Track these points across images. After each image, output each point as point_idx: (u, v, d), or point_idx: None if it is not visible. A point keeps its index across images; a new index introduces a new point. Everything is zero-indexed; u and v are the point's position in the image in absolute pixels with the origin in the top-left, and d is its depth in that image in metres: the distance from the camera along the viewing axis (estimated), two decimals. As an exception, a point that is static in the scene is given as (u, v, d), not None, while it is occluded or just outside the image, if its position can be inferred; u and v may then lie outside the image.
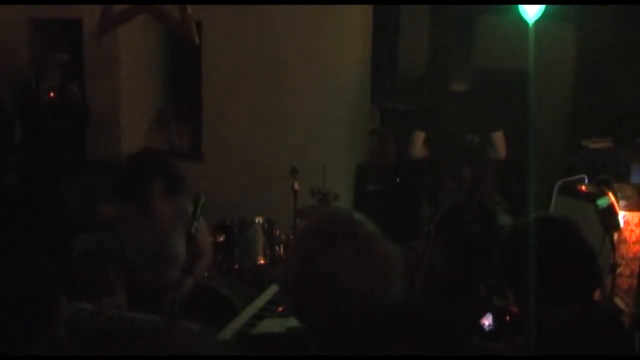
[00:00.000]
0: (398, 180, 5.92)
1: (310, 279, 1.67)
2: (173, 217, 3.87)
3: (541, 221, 2.19)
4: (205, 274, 4.15)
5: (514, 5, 5.41)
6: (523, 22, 5.26)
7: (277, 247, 4.87)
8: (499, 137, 5.06)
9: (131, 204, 3.93)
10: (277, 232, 4.91)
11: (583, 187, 4.68)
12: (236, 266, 4.72)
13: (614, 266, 3.92)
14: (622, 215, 4.38)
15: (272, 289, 3.85)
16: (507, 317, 3.02)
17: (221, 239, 4.73)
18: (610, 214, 4.05)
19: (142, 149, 5.53)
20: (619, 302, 4.21)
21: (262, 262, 4.76)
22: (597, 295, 2.38)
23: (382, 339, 1.40)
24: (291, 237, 4.92)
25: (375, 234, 1.74)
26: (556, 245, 2.12)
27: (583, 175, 4.87)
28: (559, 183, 4.82)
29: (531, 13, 5.21)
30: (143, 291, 3.81)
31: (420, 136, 5.11)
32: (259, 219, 4.84)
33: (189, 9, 4.43)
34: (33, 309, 1.48)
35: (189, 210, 3.91)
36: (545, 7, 5.22)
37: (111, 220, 4.11)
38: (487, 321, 3.01)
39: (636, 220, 4.50)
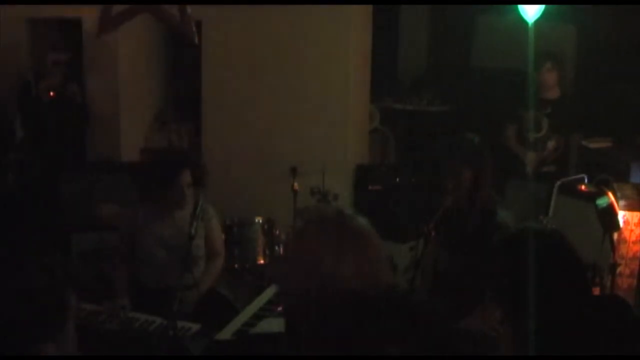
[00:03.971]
0: (398, 180, 5.92)
1: (298, 275, 1.68)
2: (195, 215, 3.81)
3: (530, 235, 2.12)
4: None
5: (514, 5, 5.42)
6: (523, 22, 5.26)
7: (277, 247, 4.88)
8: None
9: (159, 199, 3.91)
10: (277, 232, 4.91)
11: (583, 187, 4.68)
12: (236, 266, 4.72)
13: (613, 266, 3.93)
14: (621, 215, 4.38)
15: (272, 289, 3.85)
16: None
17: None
18: (609, 213, 4.06)
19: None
20: (619, 302, 4.21)
21: (262, 262, 4.77)
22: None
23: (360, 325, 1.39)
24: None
25: (364, 229, 1.73)
26: (545, 260, 2.07)
27: (583, 175, 4.88)
28: (558, 183, 4.83)
29: (531, 13, 5.22)
30: (159, 292, 3.76)
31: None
32: (259, 219, 4.84)
33: (189, 9, 4.44)
34: (44, 309, 1.46)
35: (209, 209, 3.94)
36: (545, 7, 5.23)
37: (111, 221, 4.10)
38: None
39: (636, 220, 4.50)
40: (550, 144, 5.35)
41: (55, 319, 1.49)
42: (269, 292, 3.81)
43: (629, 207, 4.51)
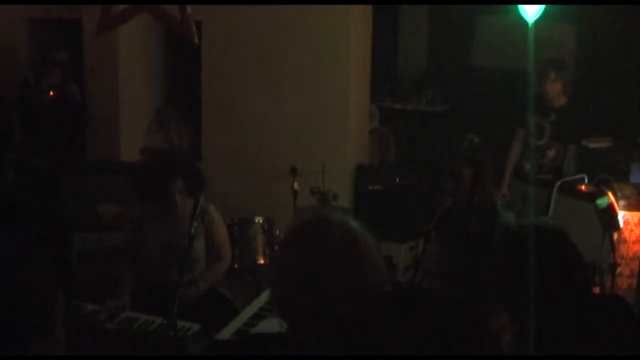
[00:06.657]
0: (398, 180, 5.91)
1: (288, 281, 1.71)
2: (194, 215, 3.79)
3: (532, 232, 2.12)
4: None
5: (514, 5, 5.42)
6: (523, 22, 5.27)
7: (277, 247, 4.87)
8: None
9: (152, 203, 3.90)
10: (277, 232, 4.91)
11: (583, 187, 4.68)
12: (236, 266, 4.71)
13: (613, 266, 3.93)
14: (621, 215, 4.38)
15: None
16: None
17: (221, 238, 4.72)
18: (609, 213, 4.05)
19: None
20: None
21: (262, 262, 4.76)
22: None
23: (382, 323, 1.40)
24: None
25: (354, 234, 1.74)
26: (548, 255, 2.07)
27: (583, 175, 4.88)
28: (558, 183, 4.83)
29: (531, 13, 5.22)
30: (158, 290, 3.74)
31: None
32: (258, 219, 4.83)
33: (189, 9, 4.43)
34: (28, 308, 1.47)
35: (210, 210, 3.93)
36: (545, 7, 5.23)
37: (113, 222, 4.09)
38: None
39: (636, 220, 4.50)
40: (550, 153, 5.26)
41: (41, 318, 1.49)
42: (269, 292, 3.80)
43: (629, 207, 4.51)
